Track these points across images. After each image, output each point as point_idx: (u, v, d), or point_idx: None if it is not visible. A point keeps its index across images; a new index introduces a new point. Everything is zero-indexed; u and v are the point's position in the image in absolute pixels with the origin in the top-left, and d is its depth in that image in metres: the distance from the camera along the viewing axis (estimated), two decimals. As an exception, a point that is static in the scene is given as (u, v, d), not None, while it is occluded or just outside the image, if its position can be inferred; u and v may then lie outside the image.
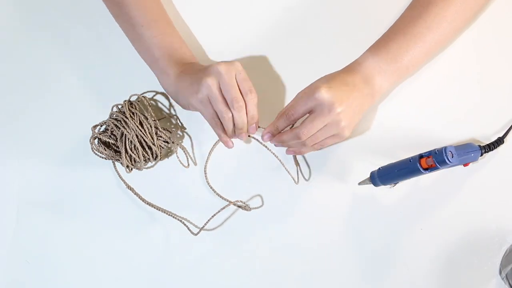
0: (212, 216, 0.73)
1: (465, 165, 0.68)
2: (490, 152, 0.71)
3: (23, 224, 0.75)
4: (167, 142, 0.73)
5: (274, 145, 0.72)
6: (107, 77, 0.77)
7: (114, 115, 0.72)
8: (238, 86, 0.66)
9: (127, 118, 0.70)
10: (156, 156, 0.72)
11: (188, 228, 0.73)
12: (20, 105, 0.77)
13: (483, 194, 0.72)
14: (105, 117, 0.73)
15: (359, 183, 0.71)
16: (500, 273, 0.70)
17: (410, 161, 0.66)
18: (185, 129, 0.76)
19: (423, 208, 0.72)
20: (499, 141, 0.71)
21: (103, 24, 0.76)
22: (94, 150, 0.72)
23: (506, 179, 0.72)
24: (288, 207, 0.74)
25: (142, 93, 0.75)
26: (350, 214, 0.73)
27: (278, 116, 0.69)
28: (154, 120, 0.72)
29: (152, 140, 0.71)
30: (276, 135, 0.69)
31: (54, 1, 0.78)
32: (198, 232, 0.73)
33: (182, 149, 0.75)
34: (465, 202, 0.72)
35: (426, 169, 0.64)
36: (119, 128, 0.70)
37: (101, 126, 0.73)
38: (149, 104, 0.73)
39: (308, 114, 0.66)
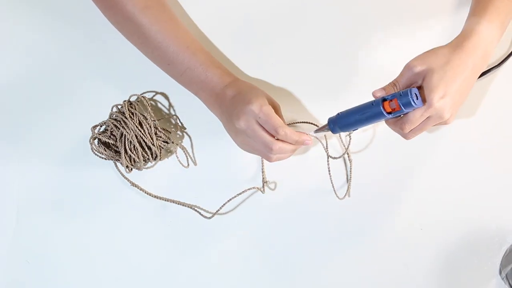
0: (228, 201, 0.73)
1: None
2: (486, 151, 0.71)
3: (23, 224, 0.75)
4: (167, 142, 0.73)
5: None
6: (108, 77, 0.77)
7: (114, 116, 0.72)
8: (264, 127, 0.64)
9: (126, 118, 0.70)
10: (156, 156, 0.72)
11: (200, 213, 0.73)
12: (20, 105, 0.77)
13: (483, 194, 0.72)
14: (106, 117, 0.73)
15: (315, 131, 0.68)
16: (500, 273, 0.70)
17: (373, 104, 0.61)
18: (185, 129, 0.76)
19: (423, 207, 0.72)
20: None
21: (102, 24, 0.76)
22: (94, 151, 0.72)
23: (506, 179, 0.72)
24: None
25: (142, 93, 0.75)
26: (350, 214, 0.73)
27: (391, 126, 0.66)
28: (154, 121, 0.72)
29: (151, 140, 0.71)
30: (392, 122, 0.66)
31: (52, 2, 0.78)
32: (212, 216, 0.73)
33: (182, 149, 0.75)
34: (465, 202, 0.72)
35: (389, 113, 0.60)
36: (119, 129, 0.70)
37: (101, 126, 0.73)
38: (148, 104, 0.73)
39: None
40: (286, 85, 0.76)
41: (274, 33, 0.77)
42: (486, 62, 0.65)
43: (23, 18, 0.78)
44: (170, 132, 0.74)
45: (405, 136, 0.66)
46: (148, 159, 0.72)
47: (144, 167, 0.74)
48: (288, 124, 0.72)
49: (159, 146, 0.72)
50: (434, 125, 0.64)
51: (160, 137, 0.72)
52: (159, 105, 0.77)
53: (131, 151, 0.71)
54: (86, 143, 0.72)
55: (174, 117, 0.76)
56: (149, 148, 0.71)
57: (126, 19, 0.69)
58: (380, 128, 0.74)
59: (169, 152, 0.75)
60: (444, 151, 0.73)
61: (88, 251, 0.74)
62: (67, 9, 0.78)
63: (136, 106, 0.73)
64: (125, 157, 0.71)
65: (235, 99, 0.67)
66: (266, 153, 0.66)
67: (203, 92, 0.70)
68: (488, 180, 0.72)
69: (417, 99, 0.60)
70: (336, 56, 0.75)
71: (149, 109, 0.72)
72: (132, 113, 0.71)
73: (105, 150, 0.72)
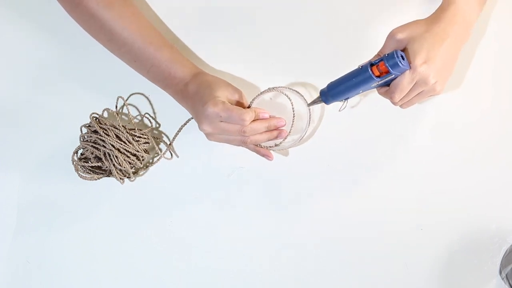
0: (270, 148, 0.73)
1: None
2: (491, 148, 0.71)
3: (23, 224, 0.75)
4: (147, 143, 0.73)
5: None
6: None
7: (87, 137, 0.71)
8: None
9: (102, 136, 0.70)
10: (143, 159, 0.73)
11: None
12: (21, 106, 0.77)
13: (483, 194, 0.72)
14: (84, 118, 0.73)
15: (309, 104, 0.69)
16: (500, 273, 0.70)
17: (361, 68, 0.62)
18: (159, 126, 0.76)
19: (423, 208, 0.72)
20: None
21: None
22: (84, 178, 0.72)
23: (506, 179, 0.72)
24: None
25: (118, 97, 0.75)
26: (349, 213, 0.73)
27: (387, 97, 0.66)
28: (126, 128, 0.72)
29: (134, 147, 0.71)
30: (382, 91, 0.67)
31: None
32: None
33: (158, 144, 0.75)
34: (465, 202, 0.72)
35: (378, 77, 0.61)
36: (100, 150, 0.71)
37: (77, 151, 0.73)
38: (117, 113, 0.73)
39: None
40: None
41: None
42: (467, 32, 0.66)
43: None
44: (147, 130, 0.74)
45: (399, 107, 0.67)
46: (136, 165, 0.72)
47: (137, 175, 0.74)
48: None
49: (143, 149, 0.72)
50: (426, 97, 0.66)
51: (140, 137, 0.72)
52: (129, 107, 0.76)
53: (120, 165, 0.71)
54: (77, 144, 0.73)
55: (146, 115, 0.76)
56: (135, 155, 0.72)
57: (91, 17, 0.70)
58: (380, 128, 0.74)
59: (152, 149, 0.75)
60: (444, 152, 0.73)
61: (88, 251, 0.74)
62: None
63: (104, 119, 0.72)
64: (117, 173, 0.71)
65: (195, 98, 0.69)
66: (241, 140, 0.69)
67: (169, 89, 0.72)
68: (488, 180, 0.72)
69: (403, 59, 0.60)
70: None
71: (118, 119, 0.72)
72: (106, 130, 0.71)
73: (93, 173, 0.72)
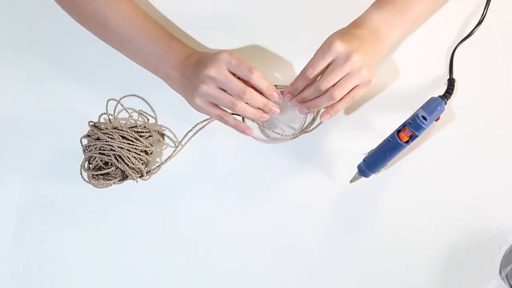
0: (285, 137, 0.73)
1: (437, 120, 0.68)
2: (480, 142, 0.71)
3: (23, 224, 0.75)
4: (151, 136, 0.74)
5: (300, 111, 0.70)
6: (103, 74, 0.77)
7: (91, 146, 0.71)
8: (235, 75, 0.66)
9: (107, 142, 0.70)
10: (152, 152, 0.73)
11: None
12: (22, 107, 0.77)
13: (483, 194, 0.72)
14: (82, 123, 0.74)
15: (351, 181, 0.72)
16: (500, 273, 0.70)
17: (390, 140, 0.66)
18: (156, 120, 0.77)
19: (423, 207, 0.72)
20: (451, 81, 0.74)
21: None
22: (101, 187, 0.72)
23: (506, 179, 0.72)
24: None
25: (108, 100, 0.75)
26: (349, 213, 0.73)
27: (297, 77, 0.68)
28: (130, 127, 0.72)
29: (143, 144, 0.71)
30: (297, 95, 0.69)
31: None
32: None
33: (162, 134, 0.76)
34: (465, 202, 0.72)
35: (407, 142, 0.65)
36: (110, 155, 0.70)
37: (84, 164, 0.72)
38: (115, 117, 0.74)
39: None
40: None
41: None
42: (379, 40, 0.68)
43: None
44: (145, 124, 0.75)
45: (333, 104, 0.67)
46: (147, 160, 0.72)
47: (150, 173, 0.75)
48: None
49: (149, 143, 0.72)
50: (363, 93, 0.67)
51: (143, 133, 0.72)
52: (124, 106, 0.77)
53: (133, 164, 0.71)
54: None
55: (141, 111, 0.76)
56: (144, 151, 0.72)
57: (84, 3, 0.71)
58: (380, 128, 0.74)
59: (158, 142, 0.76)
60: (444, 151, 0.73)
61: (88, 251, 0.74)
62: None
63: (104, 124, 0.72)
64: (133, 173, 0.71)
65: (201, 59, 0.68)
66: (232, 102, 0.67)
67: (164, 64, 0.71)
68: (488, 180, 0.72)
69: (425, 120, 0.65)
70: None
71: (118, 120, 0.73)
72: (110, 134, 0.70)
73: (108, 180, 0.72)
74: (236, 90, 0.66)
